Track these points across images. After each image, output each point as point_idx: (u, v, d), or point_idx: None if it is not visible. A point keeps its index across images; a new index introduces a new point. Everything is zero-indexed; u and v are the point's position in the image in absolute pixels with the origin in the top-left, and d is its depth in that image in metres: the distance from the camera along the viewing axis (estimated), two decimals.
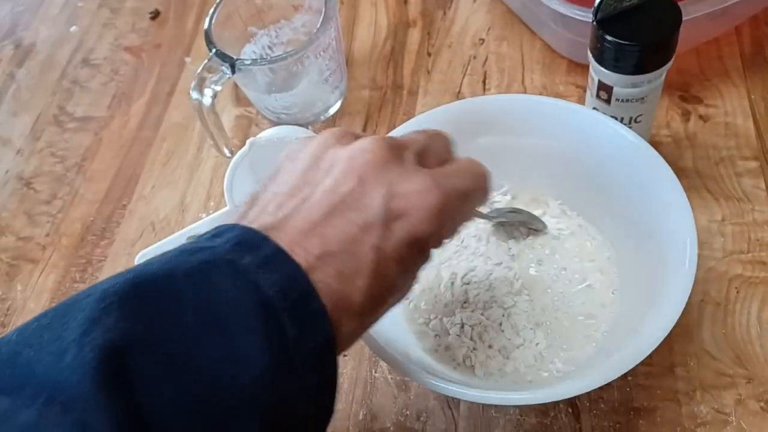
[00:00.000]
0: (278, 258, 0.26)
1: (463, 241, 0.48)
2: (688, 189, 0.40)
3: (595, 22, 0.42)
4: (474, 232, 0.48)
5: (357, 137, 0.31)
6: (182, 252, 0.27)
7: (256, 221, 0.28)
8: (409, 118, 0.48)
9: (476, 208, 0.36)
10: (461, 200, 0.31)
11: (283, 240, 0.27)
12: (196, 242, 0.27)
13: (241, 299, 0.25)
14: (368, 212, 0.28)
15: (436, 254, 0.48)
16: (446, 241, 0.31)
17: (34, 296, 0.54)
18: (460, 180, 0.31)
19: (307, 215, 0.28)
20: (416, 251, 0.29)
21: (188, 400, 0.23)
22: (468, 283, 0.45)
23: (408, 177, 0.29)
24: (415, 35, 0.64)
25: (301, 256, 0.26)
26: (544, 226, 0.47)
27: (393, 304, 0.30)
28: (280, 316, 0.25)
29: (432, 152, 0.32)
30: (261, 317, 0.25)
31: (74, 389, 0.22)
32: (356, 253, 0.27)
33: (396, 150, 0.30)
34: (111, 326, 0.23)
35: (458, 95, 0.59)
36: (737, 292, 0.46)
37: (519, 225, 0.47)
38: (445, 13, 0.65)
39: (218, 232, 0.28)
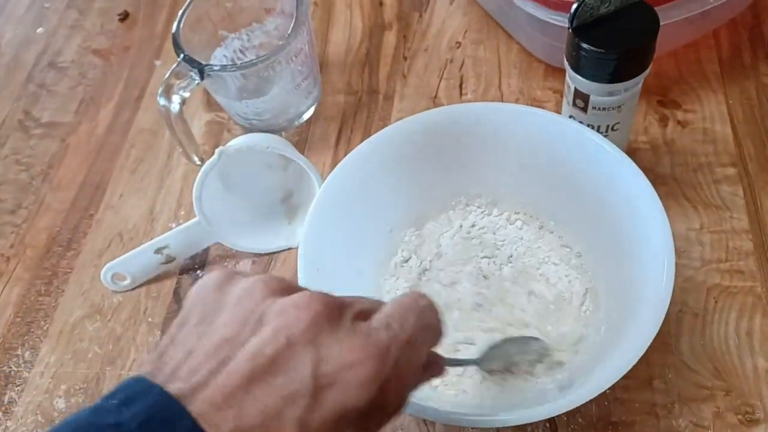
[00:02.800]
0: None
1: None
2: (666, 196, 0.39)
3: (571, 30, 0.41)
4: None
5: (292, 289, 0.28)
6: (87, 419, 0.23)
7: (166, 386, 0.25)
8: (385, 124, 0.47)
9: (433, 349, 0.30)
10: (406, 354, 0.27)
11: (193, 411, 0.23)
12: (102, 405, 0.24)
13: None
14: (295, 380, 0.25)
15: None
16: (403, 406, 0.28)
17: None
18: (402, 330, 0.27)
19: (225, 382, 0.24)
20: (350, 424, 0.25)
21: None
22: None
23: (341, 338, 0.26)
24: (390, 38, 0.63)
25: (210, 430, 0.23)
26: (546, 348, 0.42)
27: None
28: None
29: (375, 310, 0.28)
30: None
31: None
32: (276, 429, 0.24)
33: (332, 308, 0.26)
34: None
35: (435, 100, 0.58)
36: (715, 302, 0.45)
37: (516, 359, 0.41)
38: (421, 16, 0.64)
39: (130, 396, 0.24)
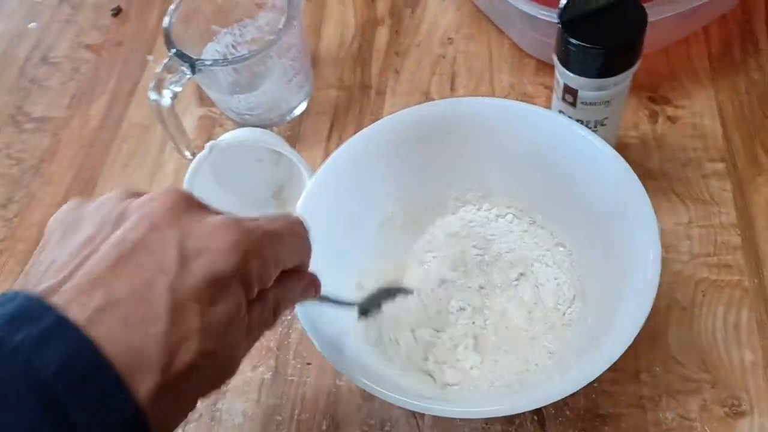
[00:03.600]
0: (59, 330, 0.22)
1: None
2: (655, 191, 0.39)
3: (560, 25, 0.41)
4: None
5: (144, 193, 0.28)
6: None
7: (37, 287, 0.24)
8: (376, 119, 0.47)
9: (300, 260, 0.32)
10: (269, 239, 0.28)
11: (61, 301, 0.23)
12: None
13: (13, 382, 0.21)
14: (163, 254, 0.25)
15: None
16: (265, 283, 0.28)
17: None
18: (267, 223, 0.29)
19: (91, 269, 0.24)
20: (219, 290, 0.26)
21: None
22: (428, 294, 0.45)
23: (204, 217, 0.27)
24: (383, 34, 0.63)
25: (78, 312, 0.23)
26: (410, 290, 0.44)
27: (216, 366, 0.26)
28: (62, 401, 0.21)
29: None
30: (37, 405, 0.21)
31: None
32: (147, 299, 0.24)
33: (191, 200, 0.28)
34: None
35: (427, 95, 0.59)
36: (703, 295, 0.45)
37: (385, 296, 0.43)
38: (413, 12, 0.64)
39: None
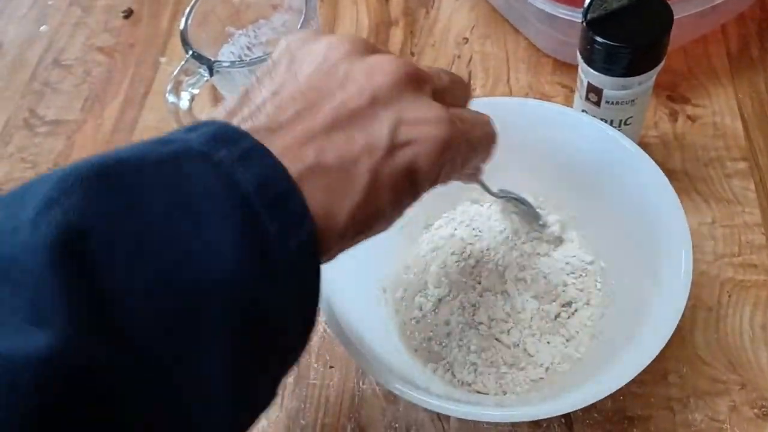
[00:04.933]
0: (258, 153, 0.24)
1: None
2: (677, 191, 0.39)
3: (584, 23, 0.41)
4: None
5: (375, 51, 0.29)
6: (154, 142, 0.24)
7: (248, 121, 0.26)
8: None
9: (484, 161, 0.34)
10: (467, 146, 0.29)
11: (276, 144, 0.24)
12: (170, 135, 0.25)
13: (216, 190, 0.22)
14: (373, 134, 0.26)
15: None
16: (439, 185, 0.30)
17: None
18: (472, 126, 0.30)
19: (308, 124, 0.26)
20: (412, 184, 0.27)
21: (155, 290, 0.21)
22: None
23: (421, 106, 0.27)
24: (397, 34, 0.63)
25: (291, 162, 0.24)
26: (543, 228, 0.46)
27: (371, 236, 0.28)
28: (258, 212, 0.23)
29: (450, 94, 0.30)
30: (237, 210, 0.22)
31: (27, 268, 0.20)
32: (351, 172, 0.25)
33: (416, 77, 0.28)
34: (72, 206, 0.21)
35: None
36: (729, 296, 0.45)
37: (520, 215, 0.46)
38: (427, 12, 0.64)
39: (195, 126, 0.25)
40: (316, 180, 0.25)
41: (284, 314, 0.24)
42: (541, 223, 0.46)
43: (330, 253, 0.26)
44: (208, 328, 0.21)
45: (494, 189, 0.43)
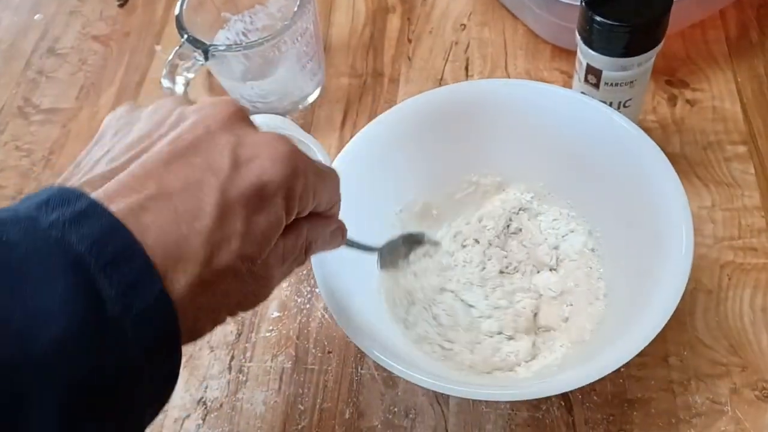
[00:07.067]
0: (95, 211, 0.22)
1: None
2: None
3: (583, 4, 0.41)
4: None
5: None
6: None
7: (82, 180, 0.25)
8: (390, 106, 0.46)
9: (332, 203, 0.32)
10: (314, 173, 0.28)
11: (110, 188, 0.24)
12: (4, 208, 0.24)
13: (42, 254, 0.21)
14: (215, 156, 0.26)
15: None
16: (303, 207, 0.28)
17: None
18: (313, 158, 0.29)
19: (145, 162, 0.25)
20: (264, 199, 0.26)
21: None
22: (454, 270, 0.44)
23: (258, 132, 0.27)
24: (394, 21, 0.63)
25: (129, 199, 0.23)
26: (437, 242, 0.46)
27: (252, 278, 0.27)
28: (93, 274, 0.21)
29: None
30: (68, 271, 0.21)
31: None
32: (197, 195, 0.25)
33: (246, 114, 0.28)
34: None
35: (441, 82, 0.58)
36: (729, 279, 0.45)
37: (409, 245, 0.44)
38: None
39: (27, 197, 0.24)
40: (160, 208, 0.24)
41: (127, 386, 0.22)
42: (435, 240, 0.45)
43: (194, 293, 0.24)
44: (31, 405, 0.20)
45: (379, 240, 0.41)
